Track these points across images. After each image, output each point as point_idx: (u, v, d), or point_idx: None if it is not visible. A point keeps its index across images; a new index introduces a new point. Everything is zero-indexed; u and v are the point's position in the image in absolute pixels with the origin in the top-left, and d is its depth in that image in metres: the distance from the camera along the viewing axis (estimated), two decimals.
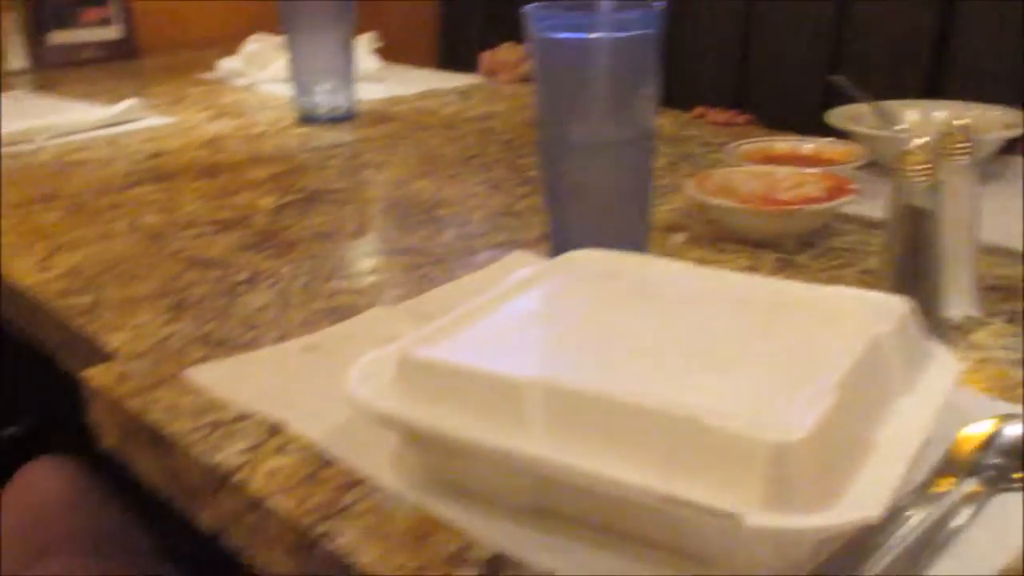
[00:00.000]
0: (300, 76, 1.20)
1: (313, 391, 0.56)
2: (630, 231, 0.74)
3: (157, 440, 0.53)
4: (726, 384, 0.43)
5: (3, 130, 1.11)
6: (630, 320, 0.50)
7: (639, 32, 0.68)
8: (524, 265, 0.73)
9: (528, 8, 0.70)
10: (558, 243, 0.74)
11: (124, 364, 0.60)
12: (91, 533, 0.84)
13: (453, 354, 0.45)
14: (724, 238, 0.78)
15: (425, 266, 0.77)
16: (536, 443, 0.42)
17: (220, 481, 0.49)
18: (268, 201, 0.93)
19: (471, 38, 2.14)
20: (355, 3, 1.22)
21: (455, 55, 2.14)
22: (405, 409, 0.43)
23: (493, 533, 0.43)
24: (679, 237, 0.79)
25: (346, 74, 1.21)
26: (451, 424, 0.42)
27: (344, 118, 1.21)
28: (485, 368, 0.43)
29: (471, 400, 0.43)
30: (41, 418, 1.28)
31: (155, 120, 1.23)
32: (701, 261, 0.74)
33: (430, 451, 0.45)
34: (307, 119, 1.21)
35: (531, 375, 0.43)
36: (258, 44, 1.50)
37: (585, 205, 0.72)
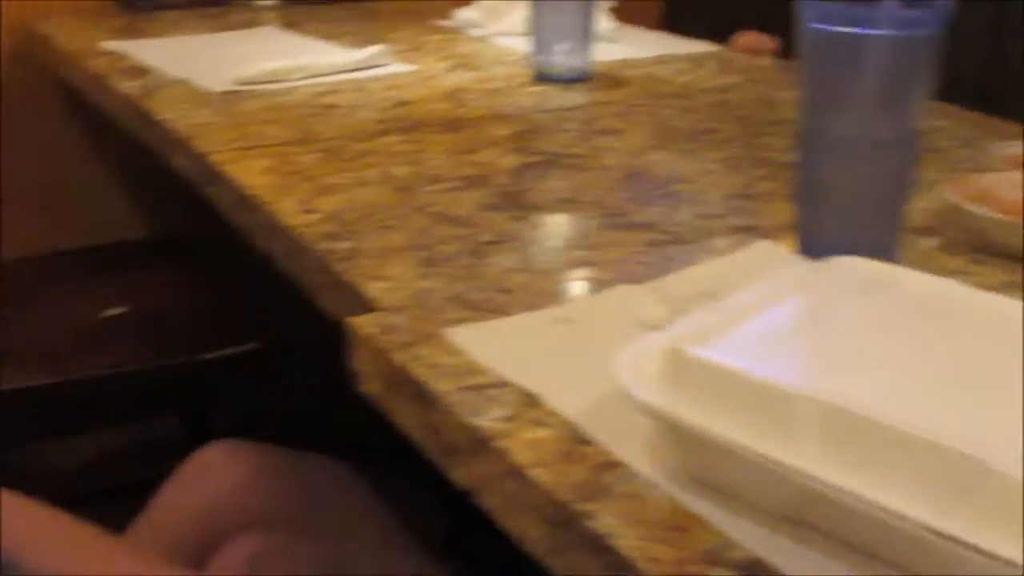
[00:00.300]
0: (540, 34, 1.22)
1: (567, 366, 0.58)
2: (882, 234, 0.72)
3: (421, 396, 0.56)
4: (1005, 420, 0.42)
5: (259, 68, 1.17)
6: (902, 338, 0.49)
7: (920, 32, 0.66)
8: (770, 257, 0.73)
9: None
10: (806, 238, 0.74)
11: (388, 316, 0.63)
12: (273, 514, 0.88)
13: (726, 356, 0.46)
14: (982, 248, 0.75)
15: (665, 244, 0.77)
16: (809, 457, 0.42)
17: (481, 444, 0.52)
18: (509, 161, 0.95)
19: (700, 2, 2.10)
20: None
21: (680, 16, 2.11)
22: (678, 407, 0.45)
23: (750, 537, 0.44)
24: (931, 242, 0.77)
25: (585, 35, 1.22)
26: (725, 427, 0.43)
27: (579, 79, 1.22)
28: (760, 376, 0.44)
29: (743, 406, 0.44)
30: (265, 340, 1.37)
31: (398, 67, 1.28)
32: (955, 271, 0.72)
33: (694, 448, 0.46)
34: (543, 78, 1.22)
35: (808, 389, 0.43)
36: None
37: (839, 203, 0.71)
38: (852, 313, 0.51)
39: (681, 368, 0.46)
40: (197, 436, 1.59)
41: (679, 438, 0.47)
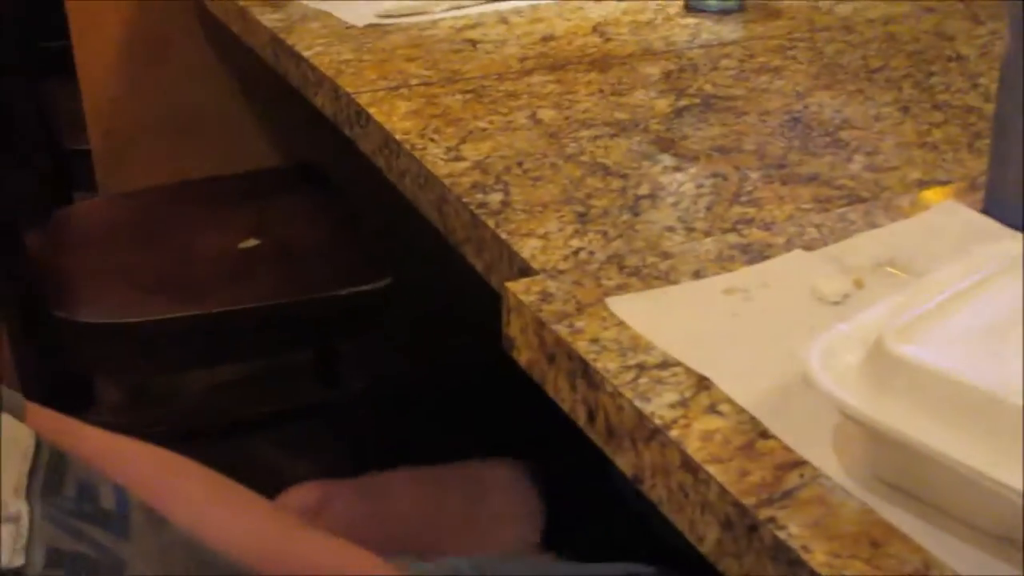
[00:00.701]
0: None
1: (740, 345, 0.54)
2: None
3: (583, 373, 0.53)
4: None
5: (402, 2, 1.14)
6: None
7: None
8: (958, 220, 0.67)
9: None
10: (998, 196, 0.67)
11: (546, 282, 0.60)
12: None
13: (937, 356, 0.41)
14: None
15: (837, 201, 0.72)
16: None
17: (651, 433, 0.48)
18: (663, 104, 0.90)
19: None
20: None
21: None
22: (882, 411, 0.40)
23: (958, 558, 0.40)
24: None
25: None
26: (935, 436, 0.39)
27: (734, 10, 1.15)
28: (976, 382, 0.39)
29: (957, 413, 0.39)
30: (401, 275, 1.36)
31: None
32: None
33: (894, 452, 0.42)
34: (695, 8, 1.15)
35: None
36: None
37: None
38: None
39: (886, 366, 0.41)
40: (328, 369, 1.61)
41: (879, 442, 0.42)
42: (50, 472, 0.53)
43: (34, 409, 0.59)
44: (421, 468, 0.99)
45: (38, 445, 0.53)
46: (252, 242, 1.38)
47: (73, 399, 1.37)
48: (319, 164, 1.68)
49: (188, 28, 1.72)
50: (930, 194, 0.72)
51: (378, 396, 1.54)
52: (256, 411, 1.58)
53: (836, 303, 0.57)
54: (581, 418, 0.54)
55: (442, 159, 0.78)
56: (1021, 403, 0.38)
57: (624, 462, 0.51)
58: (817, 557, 0.40)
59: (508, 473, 1.01)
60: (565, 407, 0.55)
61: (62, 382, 1.33)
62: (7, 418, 0.52)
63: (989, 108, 0.86)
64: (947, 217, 0.67)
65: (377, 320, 1.42)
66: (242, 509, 0.63)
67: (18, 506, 0.48)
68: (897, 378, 0.41)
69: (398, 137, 0.82)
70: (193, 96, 1.77)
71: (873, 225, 0.67)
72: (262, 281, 1.34)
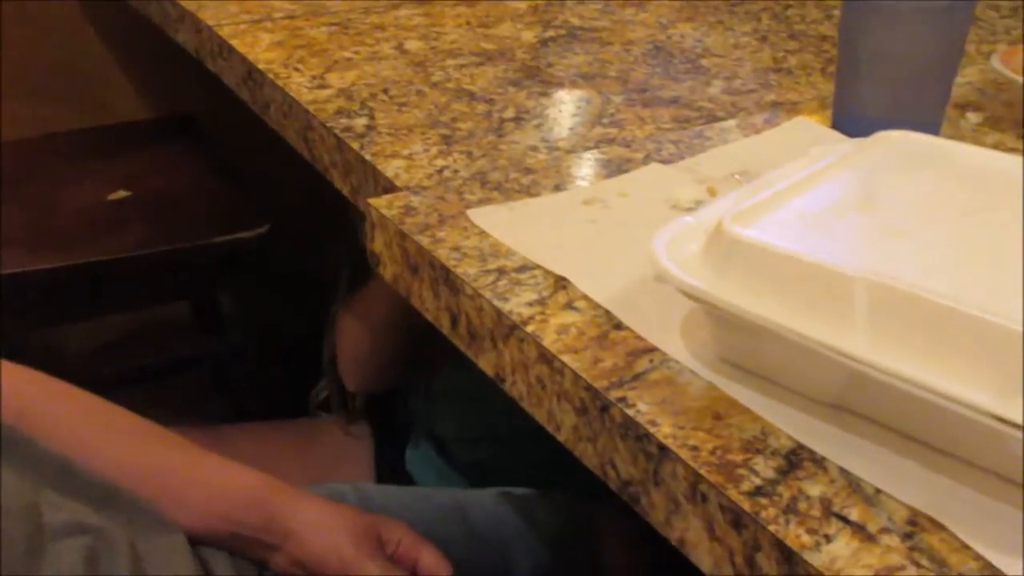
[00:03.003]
0: None
1: (596, 249, 0.55)
2: (928, 107, 0.68)
3: (445, 280, 0.54)
4: None
5: None
6: (954, 215, 0.46)
7: None
8: (807, 133, 0.70)
9: None
10: (844, 113, 0.70)
11: (408, 197, 0.60)
12: None
13: (772, 236, 0.43)
14: None
15: (695, 121, 0.74)
16: (857, 340, 0.40)
17: (509, 330, 0.49)
18: (529, 35, 0.91)
19: None
20: None
21: None
22: (720, 289, 0.42)
23: (793, 424, 0.42)
24: (974, 117, 0.73)
25: None
26: (772, 310, 0.41)
27: None
28: (808, 256, 0.41)
29: (790, 287, 0.41)
30: (276, 222, 1.34)
31: None
32: (999, 147, 0.68)
33: (734, 332, 0.44)
34: None
35: (856, 269, 0.40)
36: None
37: (883, 75, 0.67)
38: (901, 189, 0.48)
39: (724, 248, 0.43)
40: (209, 321, 1.58)
41: (720, 321, 0.45)
42: None
43: None
44: (263, 422, 1.11)
45: None
46: (122, 193, 1.34)
47: None
48: (192, 115, 1.64)
49: None
50: (781, 113, 0.75)
51: (259, 347, 1.53)
52: (136, 365, 1.54)
53: (689, 209, 0.59)
54: (445, 325, 0.55)
55: (306, 87, 0.77)
56: (847, 272, 0.40)
57: (485, 362, 0.52)
58: (663, 430, 0.42)
59: (340, 425, 1.11)
60: (429, 316, 0.56)
61: None
62: None
63: None
64: (797, 132, 0.70)
65: (255, 268, 1.40)
66: (119, 429, 0.63)
67: None
68: (735, 258, 0.43)
69: (261, 67, 0.81)
70: (57, 48, 1.70)
71: (728, 142, 0.70)
72: (133, 231, 1.30)
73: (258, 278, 1.44)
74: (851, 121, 0.69)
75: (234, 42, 0.86)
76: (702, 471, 0.40)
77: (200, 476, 0.62)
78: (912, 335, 0.39)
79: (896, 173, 0.49)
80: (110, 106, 1.74)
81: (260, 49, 0.85)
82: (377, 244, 0.60)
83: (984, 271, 0.42)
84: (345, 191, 0.71)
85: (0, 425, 0.55)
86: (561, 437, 0.48)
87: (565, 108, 0.76)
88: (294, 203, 1.49)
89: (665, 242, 0.46)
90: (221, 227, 1.32)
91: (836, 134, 0.68)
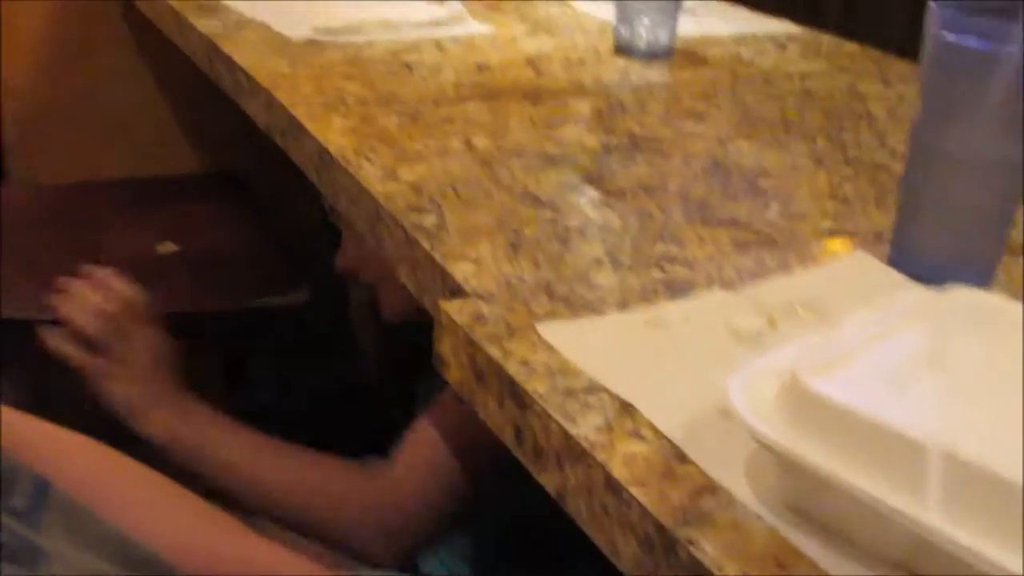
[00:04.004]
0: (626, 5, 1.19)
1: (660, 374, 0.57)
2: (985, 252, 0.70)
3: (513, 393, 0.55)
4: None
5: (341, 18, 1.15)
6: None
7: None
8: (866, 270, 0.71)
9: (934, 4, 0.65)
10: (902, 250, 0.72)
11: (479, 304, 0.62)
12: None
13: (848, 393, 0.44)
14: None
15: (754, 246, 0.75)
16: (928, 508, 0.41)
17: (578, 453, 0.50)
18: (592, 140, 0.93)
19: None
20: None
21: None
22: (795, 441, 0.43)
23: None
24: None
25: (673, 10, 1.19)
26: (842, 467, 0.42)
27: (662, 55, 1.19)
28: (883, 419, 0.42)
29: (863, 447, 0.42)
30: (316, 291, 1.36)
31: (475, 27, 1.25)
32: None
33: (802, 482, 0.45)
34: (625, 50, 1.19)
35: (931, 436, 0.41)
36: None
37: (944, 219, 0.69)
38: (971, 350, 0.49)
39: (799, 400, 0.45)
40: (236, 381, 1.60)
41: (789, 470, 0.46)
42: None
43: None
44: None
45: None
46: (171, 247, 1.36)
47: None
48: (240, 172, 1.68)
49: (113, 27, 1.70)
50: (840, 243, 0.77)
51: (283, 409, 1.54)
52: None
53: (751, 340, 0.60)
54: (508, 437, 0.56)
55: (377, 178, 0.80)
56: (922, 439, 0.41)
57: (548, 480, 0.53)
58: (728, 573, 0.43)
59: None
60: (492, 426, 0.57)
61: None
62: None
63: (896, 166, 0.92)
64: (856, 266, 0.71)
65: (290, 333, 1.42)
66: (176, 508, 0.64)
67: None
68: (809, 411, 0.44)
69: (333, 152, 0.83)
70: (113, 95, 1.75)
71: (787, 269, 0.71)
72: (177, 287, 1.32)
73: (292, 341, 1.46)
74: (909, 260, 0.71)
75: (308, 124, 0.88)
76: None
77: (254, 558, 0.63)
78: (984, 509, 0.40)
79: (966, 333, 0.51)
80: (158, 156, 1.78)
81: (332, 133, 0.87)
82: (444, 347, 0.61)
83: None
84: (410, 286, 0.72)
85: (52, 490, 0.56)
86: (620, 565, 0.48)
87: (628, 221, 0.78)
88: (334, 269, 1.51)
89: (740, 384, 0.47)
90: (261, 290, 1.34)
91: (895, 273, 0.69)
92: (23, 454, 0.55)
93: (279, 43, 1.11)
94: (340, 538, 0.95)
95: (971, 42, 0.64)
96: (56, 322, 1.16)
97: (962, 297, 0.54)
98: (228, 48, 1.07)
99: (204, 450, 1.01)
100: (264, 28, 1.16)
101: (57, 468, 0.56)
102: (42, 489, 0.55)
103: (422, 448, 0.96)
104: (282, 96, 0.94)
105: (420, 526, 0.96)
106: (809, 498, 0.46)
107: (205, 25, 1.15)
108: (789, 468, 0.45)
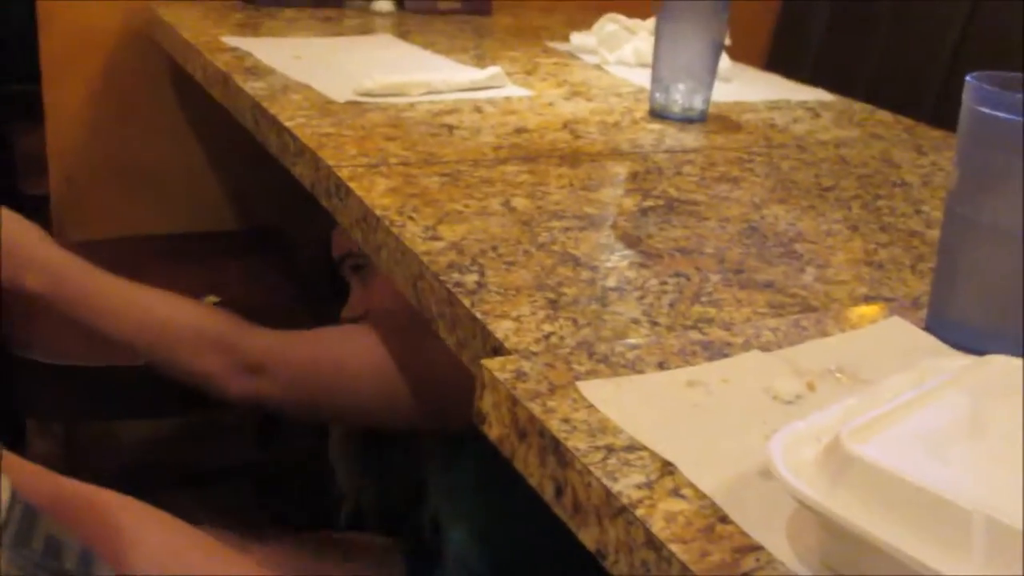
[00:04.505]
0: (661, 71, 1.21)
1: (701, 434, 0.57)
2: (1020, 322, 0.70)
3: (554, 450, 0.56)
4: None
5: (382, 80, 1.18)
6: None
7: None
8: (902, 335, 0.72)
9: (970, 79, 0.67)
10: (938, 317, 0.72)
11: (519, 362, 0.63)
12: None
13: (888, 456, 0.45)
14: None
15: (791, 308, 0.76)
16: (969, 571, 0.41)
17: (618, 511, 0.51)
18: (629, 203, 0.95)
19: (810, 40, 2.09)
20: (730, 3, 1.21)
21: (789, 56, 2.10)
22: (835, 502, 0.44)
23: None
24: None
25: (707, 76, 1.21)
26: (885, 530, 0.42)
27: (696, 120, 1.21)
28: (925, 483, 0.43)
29: (906, 511, 0.43)
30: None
31: (513, 90, 1.28)
32: None
33: (844, 543, 0.46)
34: (660, 115, 1.22)
35: (973, 501, 0.42)
36: (614, 25, 1.52)
37: (980, 288, 0.70)
38: (1014, 419, 0.50)
39: (841, 462, 0.45)
40: (270, 434, 1.61)
41: (831, 532, 0.46)
42: (22, 524, 0.55)
43: (11, 459, 0.61)
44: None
45: (13, 497, 0.55)
46: (213, 299, 1.39)
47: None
48: (274, 227, 1.71)
49: (160, 85, 1.75)
50: (876, 309, 0.78)
51: (312, 462, 1.55)
52: (184, 468, 1.57)
53: (789, 402, 0.61)
54: (549, 493, 0.57)
55: (420, 237, 0.81)
56: (966, 505, 0.42)
57: (588, 537, 0.54)
58: None
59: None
60: (533, 482, 0.58)
61: None
62: None
63: (930, 233, 0.93)
64: (893, 332, 0.72)
65: None
66: (206, 559, 0.65)
67: None
68: (851, 474, 0.45)
69: (378, 213, 0.85)
70: (156, 153, 1.79)
71: (824, 333, 0.72)
72: None
73: None
74: (945, 326, 0.71)
75: (352, 184, 0.90)
76: None
77: None
78: None
79: (1005, 400, 0.51)
80: (200, 213, 1.82)
81: (376, 194, 0.89)
82: (486, 404, 0.62)
83: None
84: (449, 342, 0.74)
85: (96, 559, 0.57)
86: None
87: (665, 282, 0.79)
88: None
89: (782, 446, 0.47)
90: None
91: (931, 339, 0.70)
92: (65, 515, 0.57)
93: (323, 105, 1.14)
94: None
95: (1006, 115, 0.65)
96: None
97: (1000, 365, 0.55)
98: (274, 110, 1.10)
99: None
100: (308, 90, 1.19)
101: (94, 527, 0.58)
102: (88, 558, 0.57)
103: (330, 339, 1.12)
104: (327, 156, 0.96)
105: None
106: (849, 560, 0.46)
107: (252, 87, 1.18)
108: (830, 529, 0.46)
